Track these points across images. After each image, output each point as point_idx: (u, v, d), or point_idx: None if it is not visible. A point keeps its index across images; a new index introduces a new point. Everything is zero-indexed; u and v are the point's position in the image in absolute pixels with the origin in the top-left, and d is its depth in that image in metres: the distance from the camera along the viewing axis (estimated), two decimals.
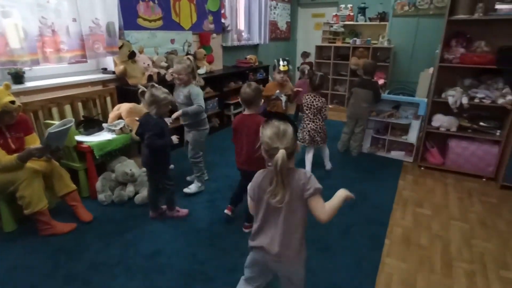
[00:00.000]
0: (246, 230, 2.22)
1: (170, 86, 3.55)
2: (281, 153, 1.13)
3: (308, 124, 3.07)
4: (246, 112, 2.12)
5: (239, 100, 2.15)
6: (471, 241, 2.19)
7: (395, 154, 3.63)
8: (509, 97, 2.84)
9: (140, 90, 2.14)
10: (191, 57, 2.61)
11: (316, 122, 3.06)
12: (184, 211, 2.44)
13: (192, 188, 2.73)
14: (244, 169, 2.15)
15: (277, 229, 1.25)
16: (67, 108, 2.77)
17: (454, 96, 3.04)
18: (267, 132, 1.20)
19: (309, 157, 3.15)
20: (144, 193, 2.56)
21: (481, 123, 3.10)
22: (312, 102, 3.02)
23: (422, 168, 3.35)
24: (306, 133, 3.08)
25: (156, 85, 2.14)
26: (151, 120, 2.10)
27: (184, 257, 1.99)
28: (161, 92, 2.09)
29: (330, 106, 5.95)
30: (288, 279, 1.33)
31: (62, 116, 2.72)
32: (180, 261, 1.95)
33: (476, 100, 2.99)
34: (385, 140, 3.65)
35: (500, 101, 2.88)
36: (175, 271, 1.87)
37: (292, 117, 4.69)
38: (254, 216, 1.32)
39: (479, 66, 2.94)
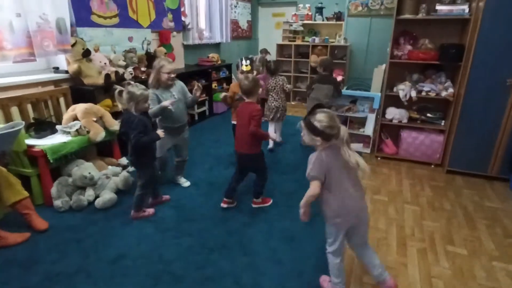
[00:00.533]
0: (255, 206, 2.52)
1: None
2: (344, 128, 1.50)
3: (273, 103, 3.63)
4: (246, 100, 2.36)
5: (240, 91, 2.41)
6: (422, 222, 2.39)
7: (354, 146, 3.83)
8: (450, 90, 3.13)
9: (117, 90, 2.12)
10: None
11: (279, 101, 3.61)
12: (150, 211, 2.39)
13: (185, 183, 2.82)
14: (239, 152, 2.39)
15: (350, 187, 1.54)
16: (15, 110, 2.57)
17: (404, 90, 3.28)
18: (324, 118, 1.48)
19: (272, 130, 3.73)
20: (105, 196, 2.45)
21: (428, 114, 3.38)
22: (275, 83, 3.56)
23: (379, 158, 3.58)
24: (270, 110, 3.64)
25: (132, 82, 2.14)
26: (132, 118, 2.09)
27: (150, 258, 1.95)
28: (137, 88, 2.10)
29: (292, 103, 6.10)
30: (363, 223, 1.63)
31: (8, 119, 2.51)
32: (146, 263, 1.91)
33: (423, 93, 3.25)
34: None
35: (444, 93, 3.16)
36: (141, 273, 1.83)
37: None
38: (328, 192, 1.55)
39: (424, 61, 3.21)
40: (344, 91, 3.98)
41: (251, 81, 2.30)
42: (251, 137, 2.27)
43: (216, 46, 5.73)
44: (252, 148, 2.32)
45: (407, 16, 3.16)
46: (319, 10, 5.86)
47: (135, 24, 3.75)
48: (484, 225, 2.36)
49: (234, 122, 2.90)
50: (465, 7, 2.93)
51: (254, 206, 2.53)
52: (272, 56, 6.05)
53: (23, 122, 2.11)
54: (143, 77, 3.59)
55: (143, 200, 2.33)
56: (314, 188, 1.53)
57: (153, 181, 2.37)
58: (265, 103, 4.53)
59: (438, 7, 3.04)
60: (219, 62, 5.33)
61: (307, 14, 5.92)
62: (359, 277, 1.85)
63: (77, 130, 2.56)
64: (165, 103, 2.33)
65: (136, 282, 1.76)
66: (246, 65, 3.01)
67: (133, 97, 2.08)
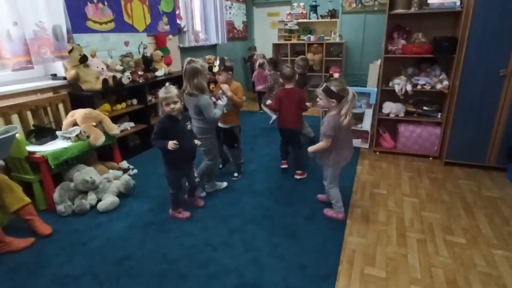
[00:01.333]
0: (298, 177, 2.99)
1: (128, 90, 3.49)
2: (351, 91, 2.04)
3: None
4: (286, 86, 2.88)
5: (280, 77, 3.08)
6: (421, 213, 2.42)
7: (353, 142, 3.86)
8: (445, 82, 3.16)
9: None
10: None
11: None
12: (185, 214, 2.41)
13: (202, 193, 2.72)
14: (286, 128, 2.94)
15: (350, 141, 2.26)
16: (15, 118, 2.60)
17: (399, 84, 3.31)
18: (339, 83, 2.03)
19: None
20: (107, 199, 2.48)
21: (424, 108, 3.41)
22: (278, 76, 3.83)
23: (377, 153, 3.61)
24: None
25: (167, 84, 2.14)
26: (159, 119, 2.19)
27: (154, 258, 1.97)
28: (162, 91, 2.09)
29: None
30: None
31: None
32: (151, 263, 1.94)
33: (419, 87, 3.28)
34: None
35: (438, 86, 3.19)
36: (146, 273, 1.86)
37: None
38: (334, 146, 2.15)
39: (418, 55, 3.24)
40: None
41: (291, 68, 2.87)
42: (300, 115, 2.91)
43: (213, 48, 5.76)
44: (297, 123, 2.94)
45: (399, 10, 3.19)
46: (314, 8, 5.89)
47: (131, 29, 3.79)
48: (482, 214, 2.39)
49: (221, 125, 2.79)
50: (457, 0, 2.96)
51: (297, 177, 2.99)
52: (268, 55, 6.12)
53: (17, 126, 2.12)
54: (140, 81, 3.62)
55: (173, 199, 2.37)
56: (327, 143, 2.11)
57: (176, 184, 2.35)
58: (264, 94, 4.83)
59: (430, 0, 3.07)
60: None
61: (302, 12, 5.96)
62: (360, 269, 1.88)
63: (77, 135, 2.59)
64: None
65: (142, 282, 1.79)
66: (215, 66, 2.71)
67: (158, 99, 2.14)
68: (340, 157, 2.20)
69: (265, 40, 6.95)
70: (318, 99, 2.11)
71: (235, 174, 3.06)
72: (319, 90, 2.08)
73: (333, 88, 2.01)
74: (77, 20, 3.10)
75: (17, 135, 2.09)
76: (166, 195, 2.71)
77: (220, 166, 3.18)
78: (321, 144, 2.15)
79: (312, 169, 3.08)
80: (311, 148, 2.21)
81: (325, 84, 2.06)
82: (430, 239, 2.12)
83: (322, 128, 2.14)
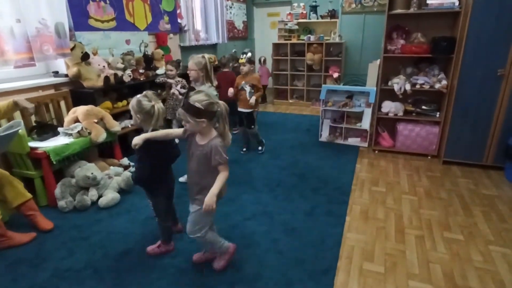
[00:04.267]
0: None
1: (129, 87, 3.50)
2: (223, 103, 1.56)
3: None
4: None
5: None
6: (419, 210, 2.44)
7: (352, 141, 3.89)
8: (444, 82, 3.19)
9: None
10: (206, 56, 2.57)
11: None
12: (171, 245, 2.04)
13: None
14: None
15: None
16: (17, 114, 2.61)
17: (398, 83, 3.34)
18: (202, 97, 1.51)
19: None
20: (108, 195, 2.50)
21: (423, 107, 3.43)
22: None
23: (376, 151, 3.63)
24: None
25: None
26: None
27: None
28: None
29: (290, 101, 6.15)
30: None
31: None
32: (151, 257, 1.96)
33: (417, 86, 3.31)
34: (342, 129, 3.89)
35: (437, 86, 3.22)
36: (147, 267, 1.88)
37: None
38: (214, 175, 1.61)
39: (417, 55, 3.27)
40: (339, 86, 4.05)
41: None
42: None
43: (213, 47, 5.79)
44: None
45: (399, 11, 3.22)
46: (314, 8, 5.91)
47: (132, 27, 3.80)
48: (480, 211, 2.41)
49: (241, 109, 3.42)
50: (455, 0, 2.99)
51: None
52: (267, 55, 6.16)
53: (21, 121, 2.15)
54: (141, 79, 3.64)
55: (167, 231, 2.00)
56: (227, 171, 1.59)
57: (169, 211, 2.05)
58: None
59: (429, 1, 3.10)
60: (216, 62, 5.38)
61: (302, 12, 5.98)
62: (359, 264, 1.90)
63: (78, 131, 2.61)
64: None
65: (142, 276, 1.81)
66: (241, 58, 3.34)
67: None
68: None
69: (265, 40, 6.98)
70: (183, 123, 1.57)
71: (260, 148, 3.58)
72: (180, 111, 1.55)
73: (197, 104, 1.48)
74: (79, 18, 3.12)
75: (19, 131, 2.11)
76: None
77: (244, 149, 3.62)
78: (223, 178, 1.56)
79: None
80: (216, 192, 1.55)
81: (185, 101, 1.53)
82: (428, 236, 2.14)
83: (211, 161, 1.55)
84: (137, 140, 1.64)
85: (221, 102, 1.55)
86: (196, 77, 2.58)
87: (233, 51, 5.89)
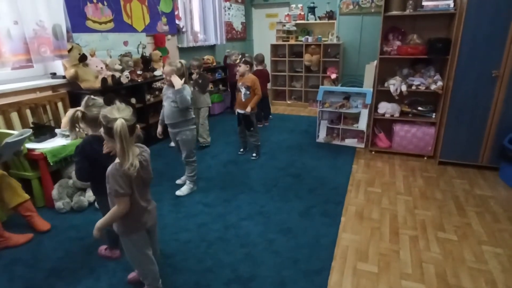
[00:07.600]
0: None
1: (128, 88, 3.52)
2: (121, 120, 1.25)
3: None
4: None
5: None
6: (414, 211, 2.46)
7: (349, 142, 3.91)
8: (439, 83, 3.21)
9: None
10: (183, 61, 2.59)
11: None
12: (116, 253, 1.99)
13: (184, 191, 2.73)
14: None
15: (148, 195, 1.58)
16: (14, 116, 2.63)
17: (394, 84, 3.36)
18: (96, 107, 1.55)
19: None
20: None
21: (419, 108, 3.45)
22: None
23: (373, 152, 3.65)
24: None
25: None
26: None
27: None
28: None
29: (288, 102, 6.17)
30: None
31: (8, 124, 2.57)
32: None
33: (413, 87, 3.33)
34: (339, 129, 3.91)
35: (433, 87, 3.24)
36: None
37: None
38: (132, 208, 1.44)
39: (413, 56, 3.29)
40: (337, 87, 4.07)
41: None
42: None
43: (211, 48, 5.81)
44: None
45: (394, 12, 3.24)
46: (312, 9, 5.94)
47: (130, 29, 3.82)
48: (474, 212, 2.43)
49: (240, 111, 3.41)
50: (450, 2, 3.01)
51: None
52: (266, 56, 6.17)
53: (31, 130, 2.22)
54: (139, 80, 3.66)
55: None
56: (125, 205, 1.36)
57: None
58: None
59: (425, 2, 3.12)
60: (214, 63, 5.40)
61: (300, 14, 6.00)
62: (353, 264, 1.92)
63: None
64: None
65: None
66: (237, 59, 3.57)
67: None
68: (146, 217, 1.49)
69: (263, 41, 7.00)
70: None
71: (254, 154, 3.49)
72: (101, 131, 1.35)
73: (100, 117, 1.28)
74: (77, 19, 3.14)
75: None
76: (162, 191, 2.76)
77: (241, 150, 3.64)
78: (115, 212, 1.38)
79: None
80: (102, 225, 1.43)
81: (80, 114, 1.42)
82: (422, 236, 2.16)
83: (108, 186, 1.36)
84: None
85: (120, 120, 1.24)
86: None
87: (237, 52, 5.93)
